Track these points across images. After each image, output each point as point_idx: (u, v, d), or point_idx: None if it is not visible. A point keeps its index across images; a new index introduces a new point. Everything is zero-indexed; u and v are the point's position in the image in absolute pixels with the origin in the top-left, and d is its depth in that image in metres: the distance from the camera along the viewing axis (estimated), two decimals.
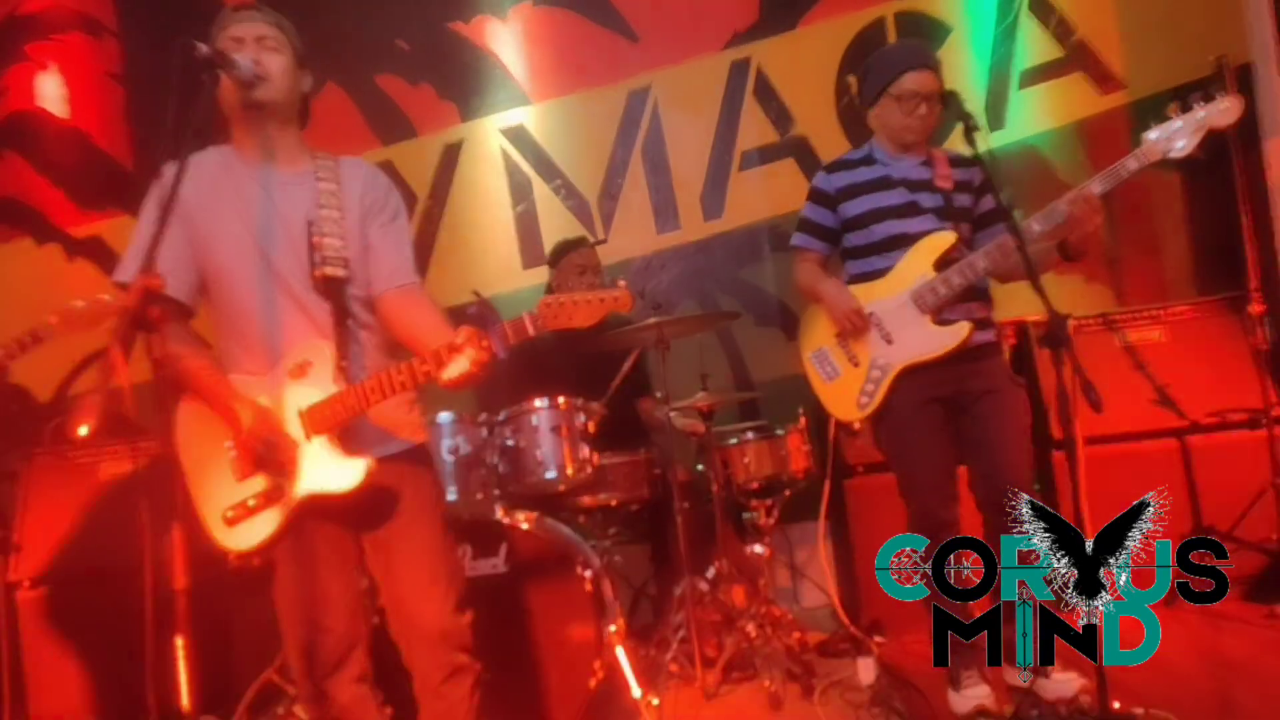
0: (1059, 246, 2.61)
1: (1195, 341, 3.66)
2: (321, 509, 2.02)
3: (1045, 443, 3.53)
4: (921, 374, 2.69)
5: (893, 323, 2.71)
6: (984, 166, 2.60)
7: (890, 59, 2.81)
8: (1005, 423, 2.70)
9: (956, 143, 2.83)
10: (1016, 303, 3.02)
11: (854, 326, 2.72)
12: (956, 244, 2.70)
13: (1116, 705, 2.21)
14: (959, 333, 2.66)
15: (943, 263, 2.69)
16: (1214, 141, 2.61)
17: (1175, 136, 2.49)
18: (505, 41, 4.62)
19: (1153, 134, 2.51)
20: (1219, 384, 3.58)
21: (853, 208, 2.81)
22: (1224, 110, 2.48)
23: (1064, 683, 2.65)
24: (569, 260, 3.82)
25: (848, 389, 2.75)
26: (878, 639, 3.41)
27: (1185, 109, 2.49)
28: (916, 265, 2.71)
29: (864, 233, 2.79)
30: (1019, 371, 3.48)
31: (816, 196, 2.89)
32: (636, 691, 2.91)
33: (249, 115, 2.04)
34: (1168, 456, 3.55)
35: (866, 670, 2.95)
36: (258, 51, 2.01)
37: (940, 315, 2.69)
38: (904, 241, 2.73)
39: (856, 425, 2.76)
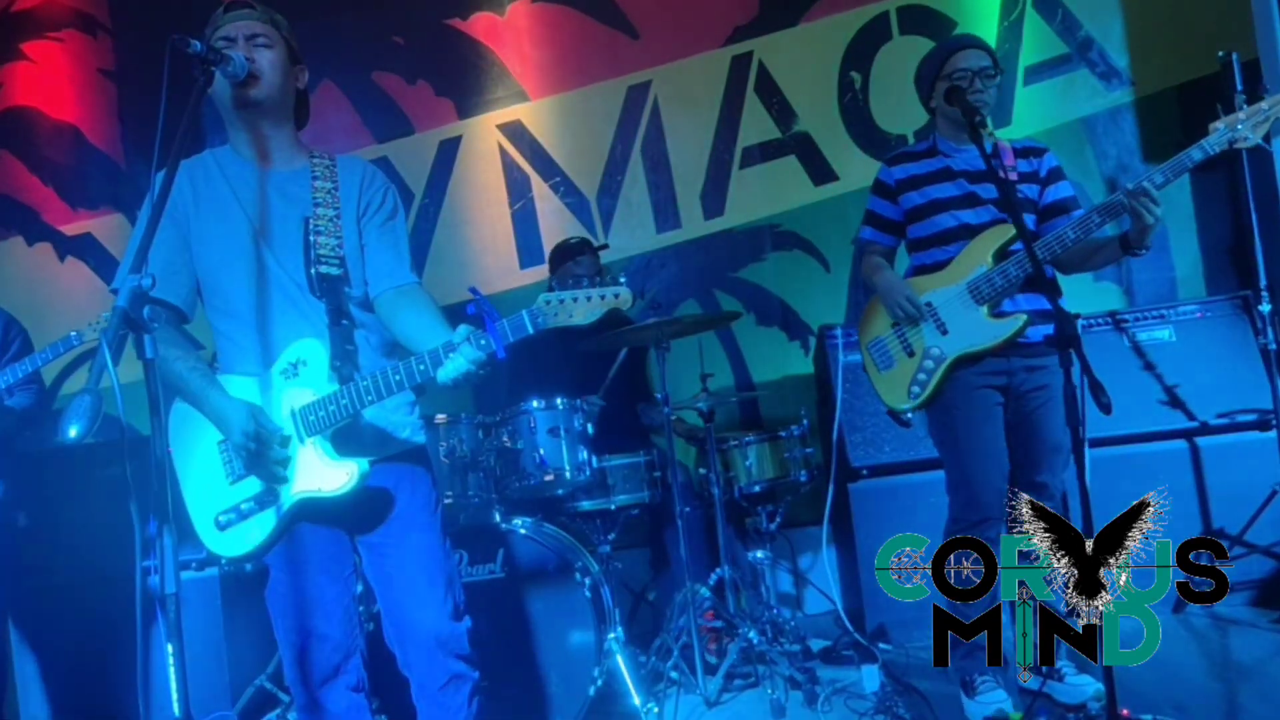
0: (1120, 239, 2.60)
1: (1204, 341, 3.63)
2: (316, 512, 2.00)
3: None
4: (977, 365, 2.67)
5: (949, 313, 2.69)
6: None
7: (938, 49, 2.85)
8: (1045, 421, 2.67)
9: None
10: None
11: (906, 314, 2.70)
12: (1016, 237, 2.64)
13: (1125, 712, 2.17)
14: (1013, 324, 2.63)
15: (1002, 254, 2.67)
16: None
17: (1243, 127, 2.44)
18: (503, 38, 4.58)
19: (1220, 124, 2.46)
20: (1228, 384, 3.54)
21: (913, 199, 2.80)
22: None
23: (1079, 687, 2.62)
24: (565, 270, 3.76)
25: (901, 378, 2.74)
26: (882, 646, 3.37)
27: (1234, 108, 2.46)
28: (976, 256, 2.69)
29: (925, 224, 2.78)
30: None
31: (879, 189, 2.90)
32: (636, 699, 2.88)
33: (243, 113, 2.03)
34: (1176, 458, 3.52)
35: (871, 678, 2.93)
36: (250, 49, 1.99)
37: (997, 307, 2.67)
38: (965, 233, 2.72)
39: (908, 415, 2.74)
